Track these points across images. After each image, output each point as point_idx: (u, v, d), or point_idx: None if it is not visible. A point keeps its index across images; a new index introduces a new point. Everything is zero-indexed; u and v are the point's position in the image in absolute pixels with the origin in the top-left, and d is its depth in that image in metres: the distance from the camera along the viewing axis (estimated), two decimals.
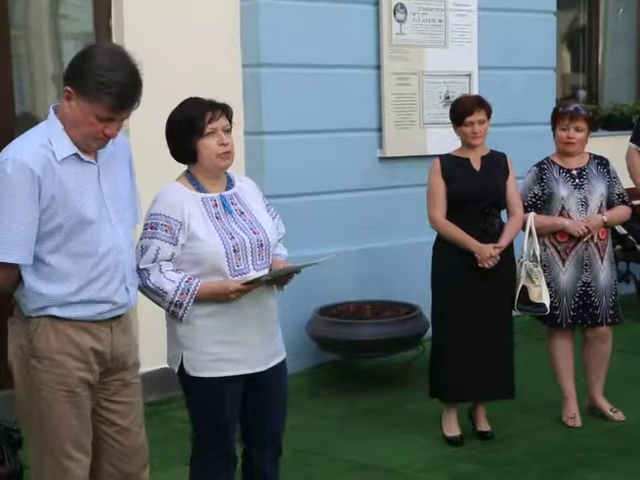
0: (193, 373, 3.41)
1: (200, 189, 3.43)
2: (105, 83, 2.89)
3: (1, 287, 3.02)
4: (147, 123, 5.51)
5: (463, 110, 4.85)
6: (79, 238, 3.00)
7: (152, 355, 5.48)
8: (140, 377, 3.34)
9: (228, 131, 3.43)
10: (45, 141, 2.96)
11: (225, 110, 3.43)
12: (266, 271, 3.45)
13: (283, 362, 3.59)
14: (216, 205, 3.42)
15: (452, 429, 4.99)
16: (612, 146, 6.42)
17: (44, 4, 5.73)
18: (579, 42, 8.77)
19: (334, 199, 6.38)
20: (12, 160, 2.91)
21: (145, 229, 3.37)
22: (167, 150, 3.52)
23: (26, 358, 3.05)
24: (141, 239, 3.38)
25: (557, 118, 5.14)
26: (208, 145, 3.37)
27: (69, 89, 2.94)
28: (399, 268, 6.54)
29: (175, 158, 3.49)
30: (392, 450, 4.93)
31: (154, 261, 3.34)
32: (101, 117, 2.93)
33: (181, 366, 3.43)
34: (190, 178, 3.45)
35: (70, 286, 3.01)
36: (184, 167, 3.56)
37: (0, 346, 5.33)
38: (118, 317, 3.17)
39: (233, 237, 3.38)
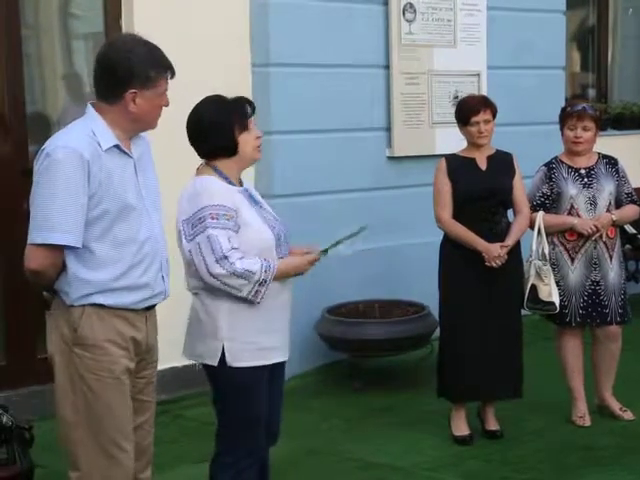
0: (235, 364, 3.43)
1: (230, 183, 3.50)
2: (158, 62, 3.12)
3: (47, 274, 3.04)
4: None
5: (469, 110, 4.85)
6: (123, 224, 3.08)
7: (162, 354, 5.50)
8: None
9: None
10: (89, 132, 3.06)
11: (253, 106, 3.57)
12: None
13: None
14: (247, 197, 3.52)
15: (461, 428, 4.99)
16: (621, 145, 6.42)
17: (55, 4, 5.75)
18: (588, 41, 8.76)
19: (343, 198, 6.38)
20: (62, 147, 2.99)
21: (202, 221, 3.36)
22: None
23: (69, 349, 3.08)
24: (202, 231, 3.35)
25: (565, 118, 5.14)
26: (248, 139, 3.50)
27: (134, 91, 3.07)
28: (408, 267, 6.54)
29: (207, 154, 3.51)
30: (401, 449, 4.93)
31: (230, 248, 3.36)
32: (162, 92, 3.15)
33: (221, 358, 3.43)
34: (219, 172, 3.49)
35: (113, 272, 3.07)
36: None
37: (12, 347, 5.39)
38: (151, 308, 3.24)
39: (273, 226, 3.51)
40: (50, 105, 5.80)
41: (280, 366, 3.62)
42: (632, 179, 5.31)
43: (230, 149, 3.48)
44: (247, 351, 3.45)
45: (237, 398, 3.49)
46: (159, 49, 3.17)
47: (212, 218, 3.36)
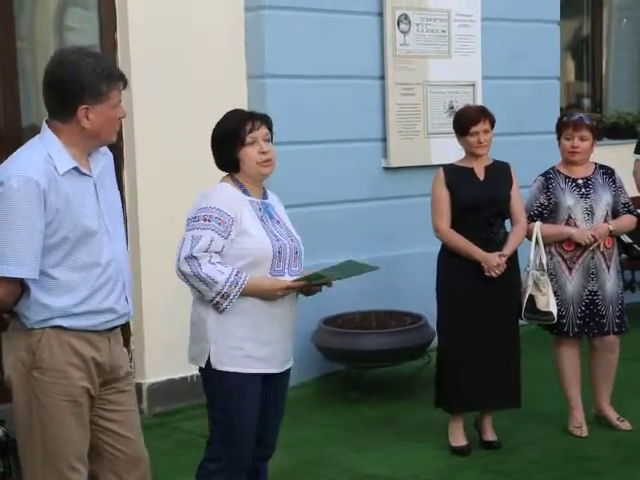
0: (220, 367, 3.49)
1: (246, 192, 3.57)
2: (111, 74, 3.04)
3: (4, 302, 3.01)
4: (154, 133, 5.54)
5: (467, 120, 4.86)
6: (83, 250, 3.03)
7: (158, 366, 5.50)
8: (142, 387, 3.36)
9: (269, 140, 3.62)
10: (45, 156, 2.99)
11: (265, 120, 3.62)
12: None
13: (290, 368, 3.72)
14: (260, 209, 3.58)
15: (459, 439, 4.98)
16: (617, 155, 6.42)
17: (50, 16, 5.75)
18: (583, 51, 8.79)
19: (339, 209, 6.38)
20: (17, 175, 2.93)
21: (196, 221, 3.47)
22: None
23: (27, 371, 3.04)
24: (191, 230, 3.48)
25: (561, 127, 5.15)
26: (250, 154, 3.54)
27: (85, 107, 3.00)
28: (404, 278, 6.54)
29: (220, 167, 3.64)
30: (399, 460, 4.92)
31: (206, 251, 3.44)
32: (116, 104, 3.06)
33: (207, 361, 3.51)
34: (236, 182, 3.58)
35: (75, 297, 3.03)
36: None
37: None
38: (115, 328, 3.20)
39: (278, 240, 3.53)
40: (45, 117, 5.79)
41: (280, 378, 3.64)
42: (628, 189, 5.32)
43: (230, 165, 3.57)
44: (232, 356, 3.49)
45: (222, 402, 3.54)
46: (108, 59, 3.13)
47: (204, 220, 3.46)
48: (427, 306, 5.37)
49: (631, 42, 9.06)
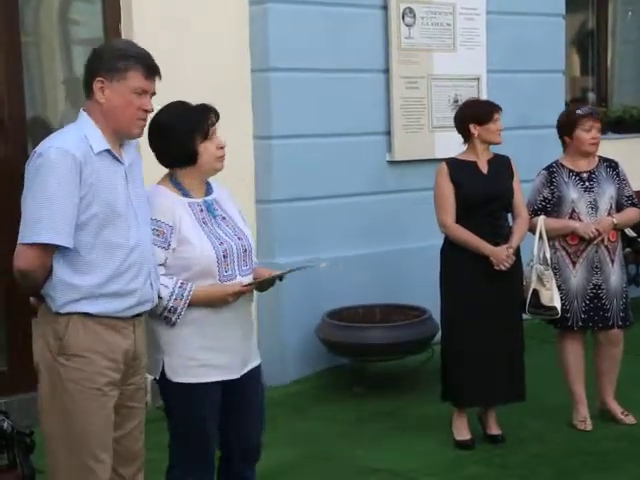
0: (175, 379, 3.38)
1: (185, 194, 3.41)
2: (132, 55, 3.10)
3: (35, 275, 3.02)
4: None
5: (491, 108, 4.88)
6: (111, 229, 3.07)
7: None
8: (146, 380, 3.37)
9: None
10: (82, 136, 3.07)
11: (217, 114, 3.46)
12: (250, 277, 3.47)
13: (259, 367, 3.60)
14: (202, 210, 3.42)
15: (463, 433, 4.98)
16: (621, 149, 6.41)
17: (54, 9, 5.76)
18: (588, 45, 8.76)
19: (343, 203, 6.38)
20: (56, 147, 3.00)
21: None
22: None
23: (53, 357, 3.07)
24: None
25: (577, 120, 5.09)
26: (209, 148, 3.39)
27: (101, 79, 3.07)
28: (408, 271, 6.54)
29: (165, 160, 3.43)
30: (402, 454, 4.92)
31: None
32: (137, 90, 3.09)
33: (162, 373, 3.39)
34: (174, 183, 3.43)
35: (100, 276, 3.05)
36: None
37: (13, 353, 5.38)
38: (139, 315, 3.21)
39: (222, 243, 3.38)
40: (50, 110, 5.80)
41: (246, 381, 3.49)
42: (632, 182, 5.31)
43: (188, 158, 3.38)
44: (187, 367, 3.37)
45: (178, 412, 3.43)
46: (141, 48, 3.15)
47: None
48: (431, 299, 5.36)
49: (636, 36, 9.04)
